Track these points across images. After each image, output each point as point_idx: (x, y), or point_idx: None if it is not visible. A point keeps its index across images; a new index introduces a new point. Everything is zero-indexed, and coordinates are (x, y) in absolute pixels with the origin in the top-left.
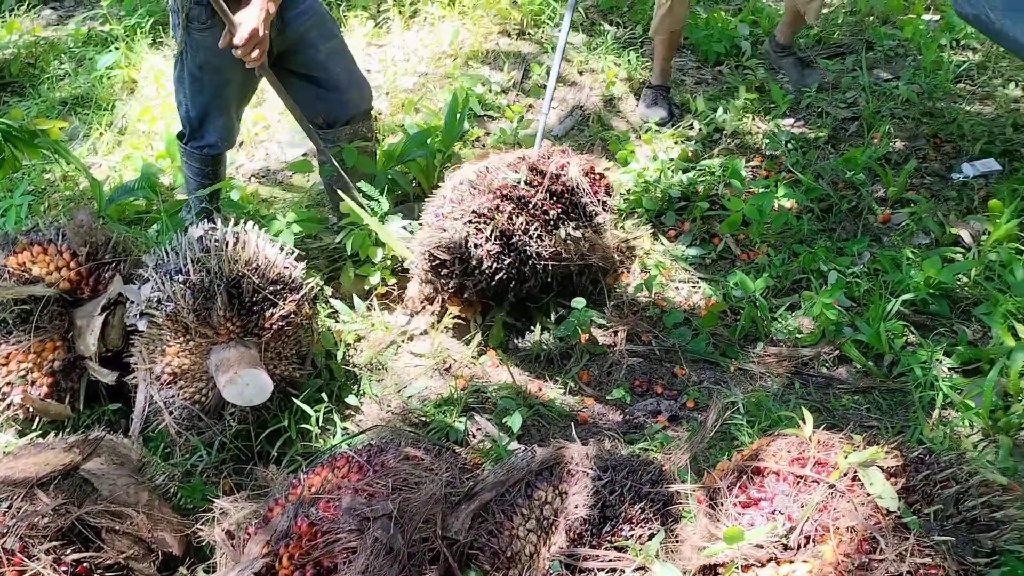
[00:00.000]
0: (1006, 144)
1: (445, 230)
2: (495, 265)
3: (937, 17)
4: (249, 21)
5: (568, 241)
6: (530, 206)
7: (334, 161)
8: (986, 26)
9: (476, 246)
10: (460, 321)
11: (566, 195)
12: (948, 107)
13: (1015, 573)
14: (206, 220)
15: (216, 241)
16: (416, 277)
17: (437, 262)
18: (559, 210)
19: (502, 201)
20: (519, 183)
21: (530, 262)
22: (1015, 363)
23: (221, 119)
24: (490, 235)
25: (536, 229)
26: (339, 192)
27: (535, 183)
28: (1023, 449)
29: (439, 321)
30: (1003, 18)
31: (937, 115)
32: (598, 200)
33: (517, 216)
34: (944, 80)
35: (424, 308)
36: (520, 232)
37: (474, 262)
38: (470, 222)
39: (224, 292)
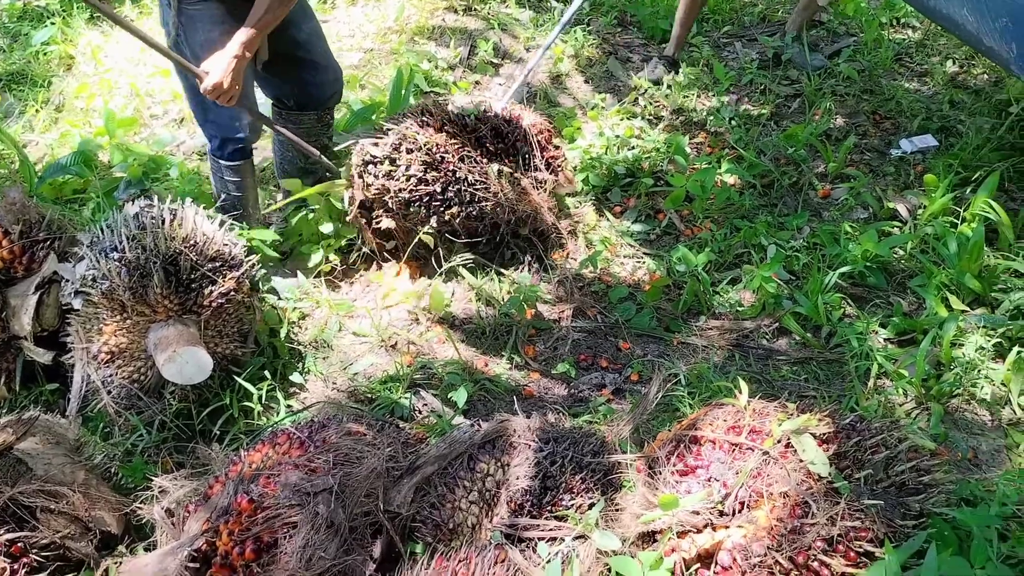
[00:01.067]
0: (943, 120)
1: (385, 134)
2: (419, 175)
3: None
4: (215, 72)
5: (501, 179)
6: (472, 137)
7: (290, 136)
8: (920, 4)
9: (408, 151)
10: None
11: (510, 138)
12: (888, 84)
13: (941, 535)
14: (142, 197)
15: (152, 218)
16: (351, 179)
17: (369, 158)
18: (500, 148)
19: (448, 124)
20: (470, 115)
21: (456, 186)
22: (947, 333)
23: (244, 99)
24: (422, 147)
25: (471, 157)
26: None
27: (484, 119)
28: (954, 416)
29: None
30: None
31: (877, 92)
32: (542, 158)
33: (456, 142)
34: (884, 58)
35: (355, 218)
36: (454, 156)
37: (402, 166)
38: (408, 134)
39: (160, 269)
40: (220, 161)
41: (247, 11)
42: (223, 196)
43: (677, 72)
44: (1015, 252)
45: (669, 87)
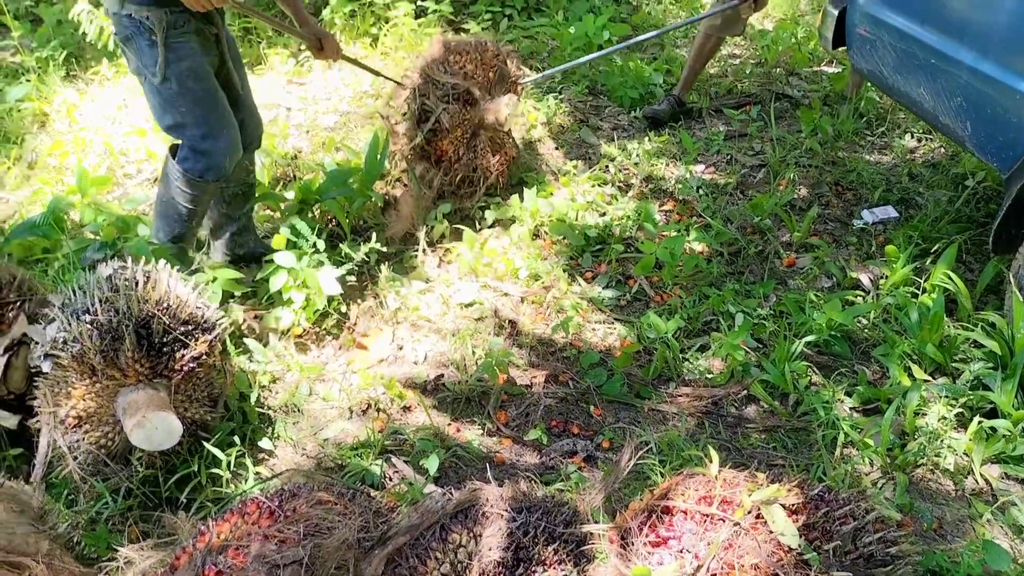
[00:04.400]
0: (903, 192)
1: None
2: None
3: (839, 69)
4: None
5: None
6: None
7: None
8: (880, 81)
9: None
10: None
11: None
12: (850, 156)
13: None
14: (115, 258)
15: (126, 280)
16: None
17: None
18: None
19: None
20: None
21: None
22: (910, 403)
23: (227, 129)
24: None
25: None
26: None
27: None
28: (919, 486)
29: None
30: (895, 74)
31: (839, 163)
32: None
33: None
34: (846, 131)
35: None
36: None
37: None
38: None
39: (133, 332)
40: (187, 172)
41: (216, 47)
42: (174, 204)
43: (683, 107)
44: (974, 323)
45: (638, 156)
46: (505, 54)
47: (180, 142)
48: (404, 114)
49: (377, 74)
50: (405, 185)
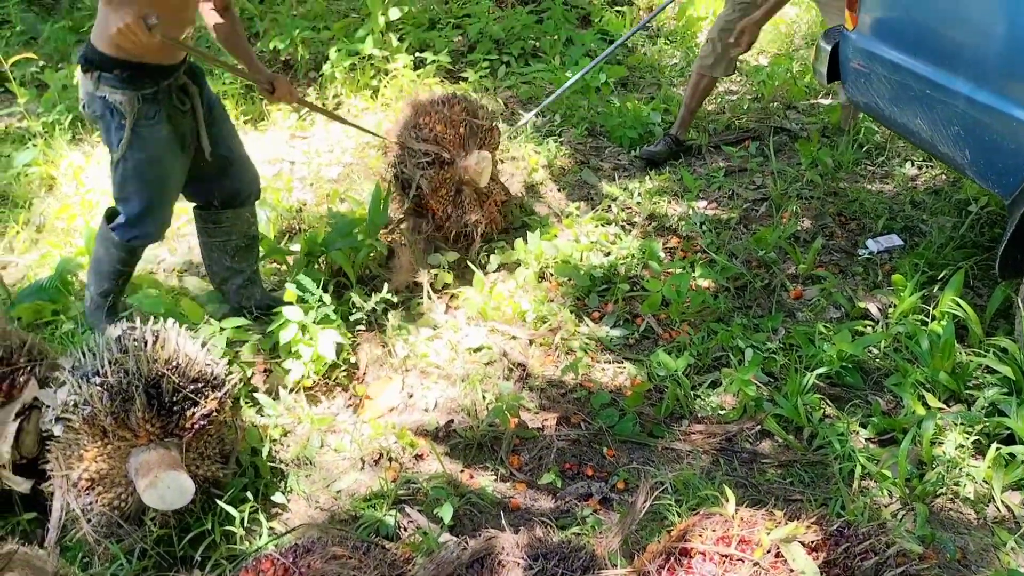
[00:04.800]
0: (906, 220)
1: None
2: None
3: (835, 101)
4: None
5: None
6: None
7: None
8: (876, 112)
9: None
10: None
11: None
12: (851, 186)
13: None
14: (124, 320)
15: (135, 340)
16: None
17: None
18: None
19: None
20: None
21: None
22: (926, 431)
23: (164, 211)
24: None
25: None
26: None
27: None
28: (940, 516)
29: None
30: (891, 106)
31: (841, 194)
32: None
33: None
34: (846, 161)
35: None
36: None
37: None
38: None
39: (143, 393)
40: (119, 239)
41: (189, 131)
42: (105, 263)
43: (681, 146)
44: (985, 348)
45: (640, 195)
46: (475, 105)
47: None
48: (389, 182)
49: (343, 121)
50: (405, 241)
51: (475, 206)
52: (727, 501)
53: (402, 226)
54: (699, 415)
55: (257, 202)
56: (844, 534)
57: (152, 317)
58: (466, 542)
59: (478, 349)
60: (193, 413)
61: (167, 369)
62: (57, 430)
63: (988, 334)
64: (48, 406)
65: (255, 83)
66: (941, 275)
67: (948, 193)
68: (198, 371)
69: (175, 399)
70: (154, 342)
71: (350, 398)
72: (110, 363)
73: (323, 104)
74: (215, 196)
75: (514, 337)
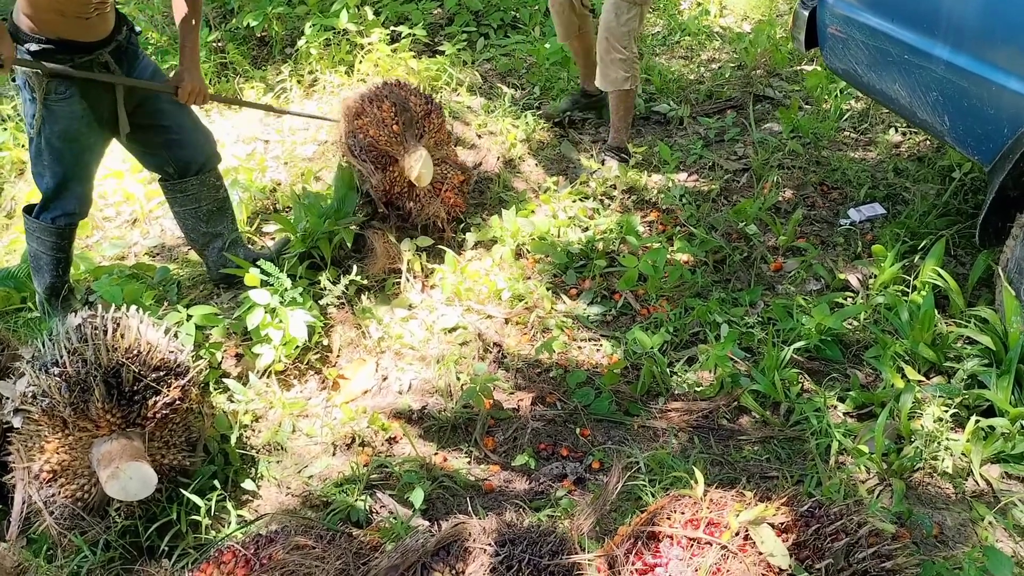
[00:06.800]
0: (889, 188)
1: None
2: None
3: (818, 68)
4: (193, 81)
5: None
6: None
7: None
8: (855, 79)
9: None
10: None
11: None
12: (833, 155)
13: None
14: (86, 308)
15: (95, 329)
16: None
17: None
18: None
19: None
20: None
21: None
22: (904, 405)
23: (81, 187)
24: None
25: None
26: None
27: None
28: (917, 491)
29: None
30: (869, 72)
31: (823, 163)
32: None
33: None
34: (829, 129)
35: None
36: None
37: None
38: None
39: (101, 383)
40: (43, 223)
41: (108, 107)
42: (40, 256)
43: (630, 156)
44: (966, 319)
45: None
46: (404, 96)
47: (35, 201)
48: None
49: (270, 110)
50: (379, 229)
51: (432, 197)
52: (696, 483)
53: (372, 221)
54: (676, 392)
55: (230, 184)
56: (815, 515)
57: (113, 305)
58: (437, 526)
59: (453, 329)
60: (155, 402)
61: (127, 358)
62: (16, 422)
63: (970, 303)
64: (7, 398)
65: (162, 91)
66: (923, 244)
67: (932, 159)
68: (160, 359)
69: (135, 388)
70: (115, 330)
71: (323, 381)
72: (69, 353)
73: (298, 81)
74: (170, 167)
75: (490, 316)
